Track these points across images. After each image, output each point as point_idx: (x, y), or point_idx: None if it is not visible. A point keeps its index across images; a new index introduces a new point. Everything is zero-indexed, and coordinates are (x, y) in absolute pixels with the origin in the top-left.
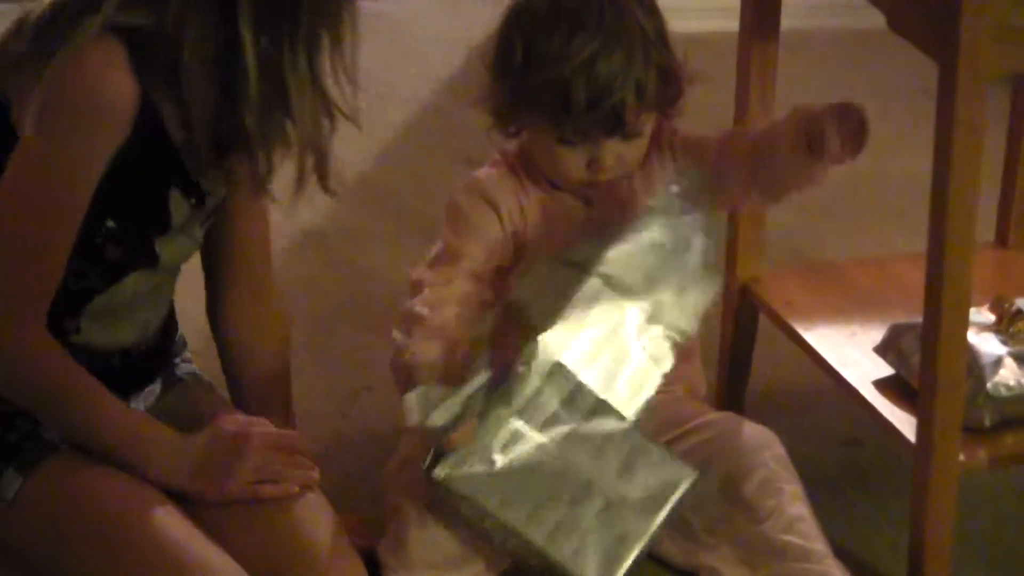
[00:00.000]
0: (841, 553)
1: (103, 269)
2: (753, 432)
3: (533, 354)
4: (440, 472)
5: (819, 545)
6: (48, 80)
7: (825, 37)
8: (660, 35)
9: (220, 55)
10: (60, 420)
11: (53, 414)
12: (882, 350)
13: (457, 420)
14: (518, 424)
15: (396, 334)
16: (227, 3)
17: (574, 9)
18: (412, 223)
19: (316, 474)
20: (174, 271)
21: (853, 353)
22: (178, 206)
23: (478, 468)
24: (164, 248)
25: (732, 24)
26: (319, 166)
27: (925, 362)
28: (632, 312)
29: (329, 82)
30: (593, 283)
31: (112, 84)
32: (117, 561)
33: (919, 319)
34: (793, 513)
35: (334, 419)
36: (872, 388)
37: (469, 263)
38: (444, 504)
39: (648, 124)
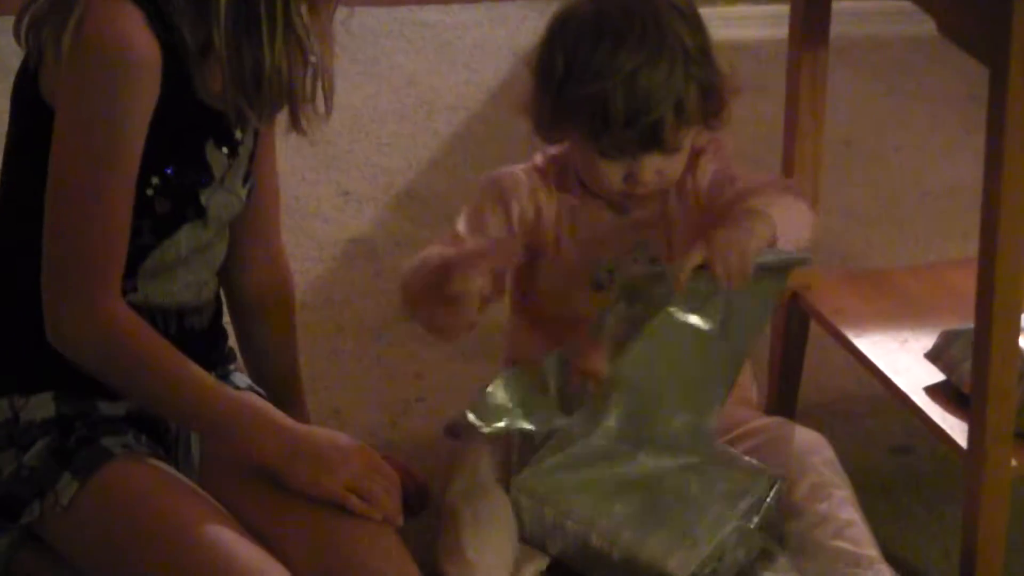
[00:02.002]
0: (892, 559)
1: (154, 224)
2: (804, 437)
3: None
4: (521, 478)
5: (870, 550)
6: (74, 47)
7: (875, 43)
8: (702, 49)
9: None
10: (151, 392)
11: (143, 385)
12: (933, 356)
13: (516, 426)
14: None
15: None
16: None
17: (616, 24)
18: None
19: (400, 519)
20: (222, 229)
21: (904, 359)
22: (215, 157)
23: (557, 475)
24: (210, 200)
25: (781, 32)
26: (290, 105)
27: (976, 368)
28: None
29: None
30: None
31: (137, 42)
32: (171, 569)
33: (970, 325)
34: (844, 518)
35: (385, 429)
36: (923, 394)
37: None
38: (516, 509)
39: (688, 138)
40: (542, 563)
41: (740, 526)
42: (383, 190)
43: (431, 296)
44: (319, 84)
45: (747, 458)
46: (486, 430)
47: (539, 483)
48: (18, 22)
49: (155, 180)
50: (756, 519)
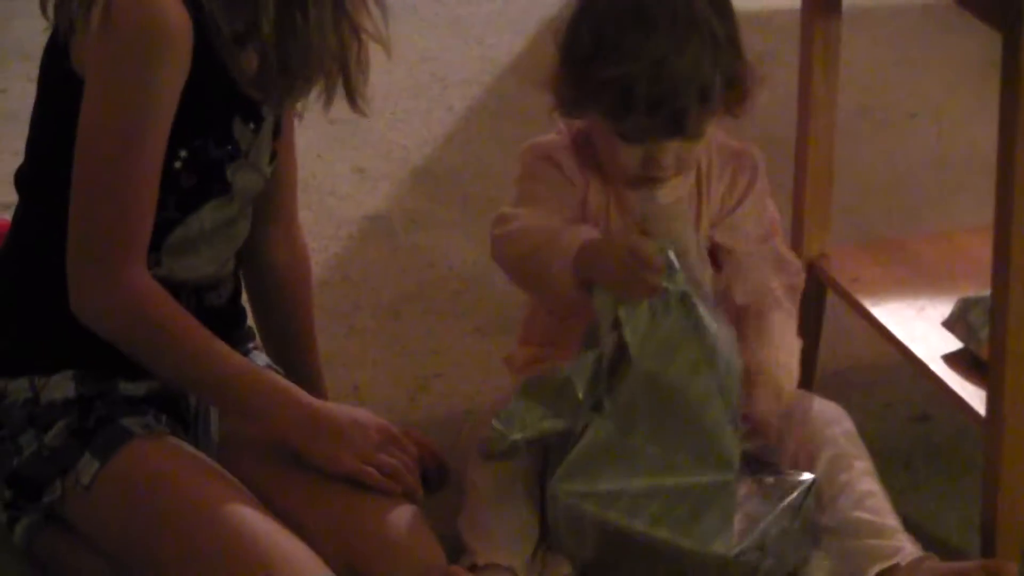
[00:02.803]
0: (913, 528)
1: (180, 198)
2: (823, 408)
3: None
4: (557, 477)
5: (890, 520)
6: (105, 18)
7: (889, 11)
8: (731, 39)
9: None
10: (174, 363)
11: (166, 357)
12: (951, 324)
13: (546, 428)
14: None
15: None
16: None
17: (647, 6)
18: (476, 208)
19: (420, 494)
20: (246, 205)
21: (922, 327)
22: (241, 132)
23: (593, 468)
24: (235, 176)
25: (795, 1)
26: (345, 83)
27: (994, 335)
28: None
29: (353, 5)
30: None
31: (169, 16)
32: (192, 548)
33: (987, 292)
34: (864, 489)
35: (403, 406)
36: (941, 362)
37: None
38: (552, 511)
39: (710, 125)
40: (567, 570)
41: (781, 523)
42: (398, 166)
43: (526, 269)
44: (367, 59)
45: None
46: (516, 436)
47: (576, 480)
48: None
49: (183, 153)
50: (797, 522)
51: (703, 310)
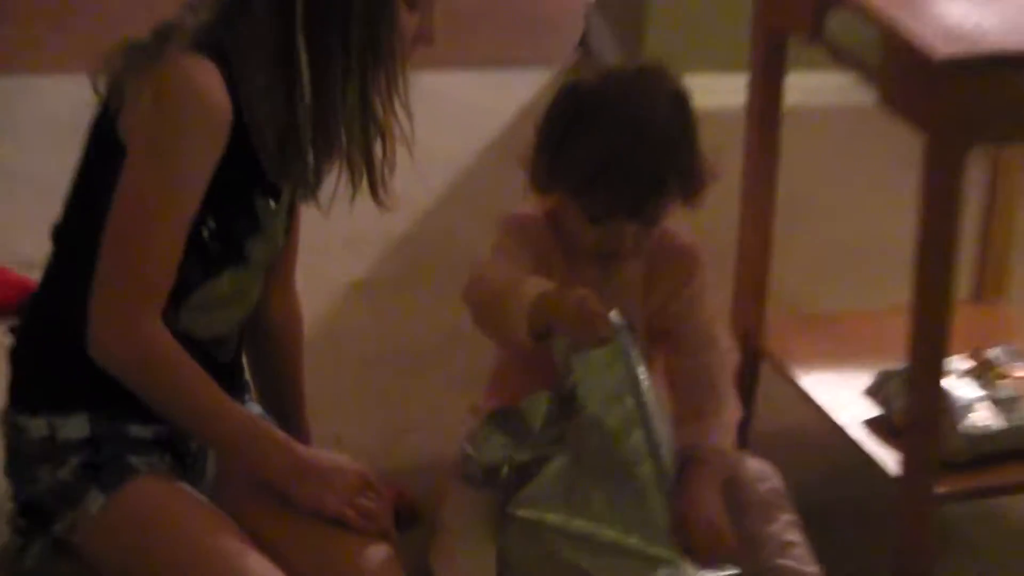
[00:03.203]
0: (831, 574)
1: (204, 263)
2: (755, 466)
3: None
4: (515, 503)
5: (811, 568)
6: (153, 94)
7: (824, 112)
8: (689, 137)
9: (284, 75)
10: (179, 408)
11: (173, 403)
12: (871, 393)
13: (504, 462)
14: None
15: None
16: (288, 37)
17: (614, 104)
18: (448, 274)
19: (393, 534)
20: (259, 274)
21: (845, 396)
22: (263, 208)
23: (548, 500)
24: (253, 248)
25: (741, 100)
26: (369, 177)
27: (908, 405)
28: None
29: (381, 109)
30: None
31: (215, 98)
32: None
33: (904, 366)
34: (788, 539)
35: (380, 454)
36: (861, 427)
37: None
38: (507, 539)
39: (667, 211)
40: None
41: None
42: (382, 237)
43: (487, 311)
44: (391, 153)
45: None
46: (484, 459)
47: (530, 507)
48: (98, 72)
49: (211, 223)
50: None
51: (641, 371)
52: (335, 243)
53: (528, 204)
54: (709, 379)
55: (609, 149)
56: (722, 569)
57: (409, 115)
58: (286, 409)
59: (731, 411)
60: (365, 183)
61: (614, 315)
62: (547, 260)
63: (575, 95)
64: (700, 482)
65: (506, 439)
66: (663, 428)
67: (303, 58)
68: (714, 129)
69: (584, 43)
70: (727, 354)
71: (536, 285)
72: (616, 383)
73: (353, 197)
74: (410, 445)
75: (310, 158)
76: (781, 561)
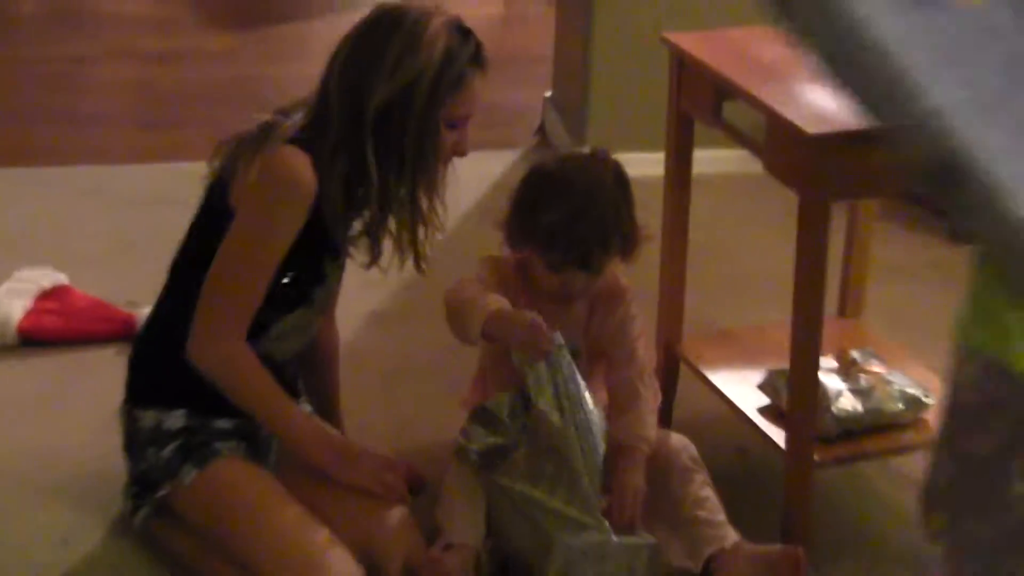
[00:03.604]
0: (734, 524)
1: (282, 304)
2: (676, 439)
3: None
4: (496, 475)
5: (720, 517)
6: (264, 165)
7: (724, 179)
8: (628, 206)
9: (355, 175)
10: (254, 404)
11: (250, 399)
12: (763, 387)
13: (488, 447)
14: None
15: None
16: (360, 146)
17: (569, 183)
18: (443, 310)
19: (408, 500)
20: (319, 313)
21: (744, 389)
22: (328, 266)
23: (518, 473)
24: (318, 295)
25: (660, 171)
26: (414, 254)
27: (791, 394)
28: None
29: (425, 203)
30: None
31: (305, 179)
32: (256, 536)
33: (787, 366)
34: (702, 495)
35: (395, 439)
36: (756, 413)
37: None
38: (491, 496)
39: (610, 264)
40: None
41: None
42: (391, 280)
43: (453, 312)
44: (432, 236)
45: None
46: (472, 447)
47: (505, 478)
48: (213, 152)
49: (290, 275)
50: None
51: (576, 380)
52: (356, 284)
53: (503, 254)
54: (632, 387)
55: (566, 216)
56: (640, 537)
57: (444, 208)
58: (327, 406)
59: (651, 406)
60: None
61: (557, 336)
62: (514, 296)
63: (539, 174)
64: (625, 464)
65: (485, 430)
66: (596, 424)
67: (371, 166)
68: (641, 192)
69: (542, 130)
70: (646, 367)
71: (496, 301)
72: (556, 388)
73: (401, 267)
74: (417, 433)
75: (371, 237)
76: (697, 512)
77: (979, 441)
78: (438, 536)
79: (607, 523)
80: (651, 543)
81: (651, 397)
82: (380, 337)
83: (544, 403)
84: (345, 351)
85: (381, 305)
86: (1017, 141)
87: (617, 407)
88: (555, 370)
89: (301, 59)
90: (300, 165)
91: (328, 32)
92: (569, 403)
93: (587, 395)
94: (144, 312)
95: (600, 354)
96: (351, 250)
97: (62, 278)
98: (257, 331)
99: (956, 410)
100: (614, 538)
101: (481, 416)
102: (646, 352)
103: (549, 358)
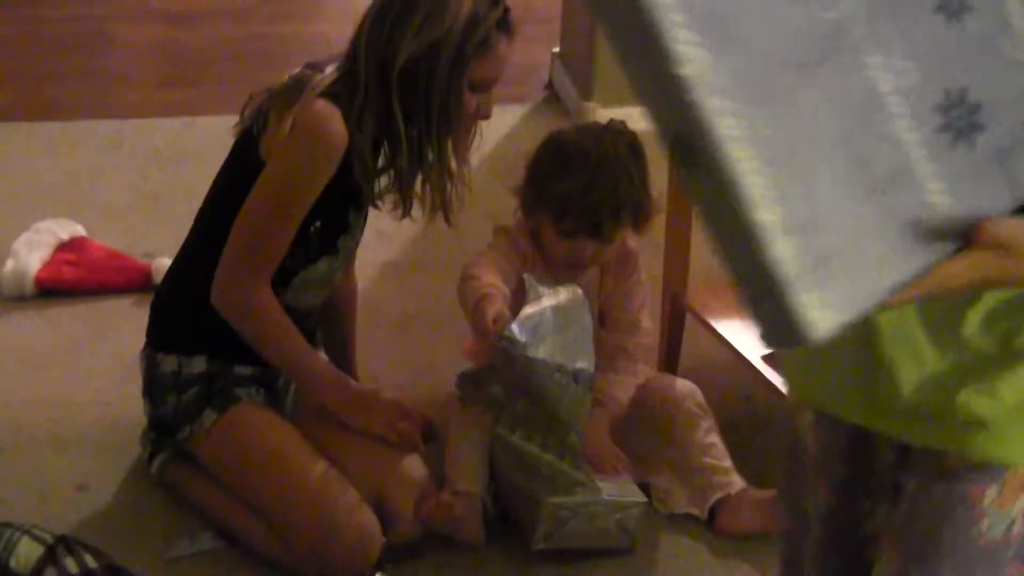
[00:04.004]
0: (740, 470)
1: (307, 253)
2: (682, 385)
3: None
4: (496, 433)
5: (727, 463)
6: (297, 118)
7: None
8: (642, 178)
9: (383, 132)
10: (274, 348)
11: (270, 343)
12: None
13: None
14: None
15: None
16: (387, 104)
17: (585, 151)
18: (454, 261)
19: (420, 447)
20: (344, 262)
21: (747, 337)
22: (353, 216)
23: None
24: (342, 244)
25: None
26: (443, 207)
27: None
28: None
29: (452, 162)
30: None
31: (337, 132)
32: (272, 476)
33: None
34: (708, 441)
35: (408, 388)
36: (761, 360)
37: (497, 265)
38: (494, 444)
39: (620, 235)
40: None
41: (607, 512)
42: (405, 232)
43: (462, 303)
44: (460, 192)
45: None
46: (470, 398)
47: (505, 430)
48: (244, 107)
49: (316, 224)
50: (616, 515)
51: (590, 341)
52: (371, 235)
53: (515, 219)
54: (629, 356)
55: (579, 185)
56: (629, 495)
57: (468, 167)
58: (343, 356)
59: (638, 379)
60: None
61: (576, 290)
62: (531, 264)
63: (555, 143)
64: (593, 421)
65: (480, 376)
66: (587, 382)
67: (399, 124)
68: (649, 147)
69: (550, 85)
70: (645, 337)
71: (486, 287)
72: (556, 342)
73: (427, 221)
74: (428, 382)
75: (400, 191)
76: (703, 459)
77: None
78: (445, 483)
79: (597, 482)
80: (640, 501)
81: (641, 371)
82: (394, 287)
83: (544, 352)
84: (360, 301)
85: (395, 256)
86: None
87: (606, 369)
88: (567, 322)
89: (318, 19)
90: (332, 119)
91: None
92: (565, 358)
93: (591, 353)
94: (161, 263)
95: (602, 317)
96: (378, 203)
97: (80, 229)
98: (283, 280)
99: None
100: (604, 496)
101: (474, 374)
102: (649, 323)
103: (501, 341)
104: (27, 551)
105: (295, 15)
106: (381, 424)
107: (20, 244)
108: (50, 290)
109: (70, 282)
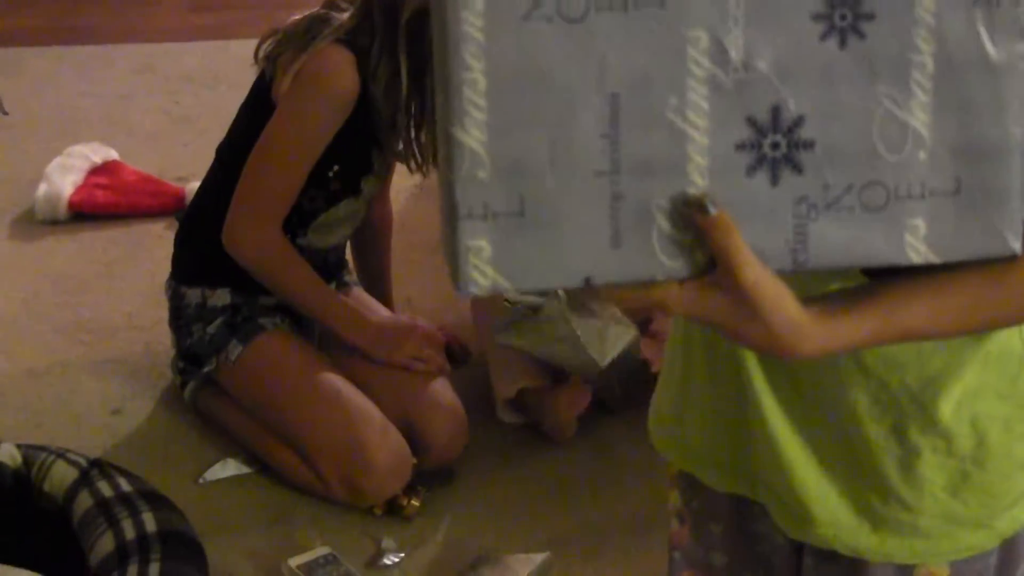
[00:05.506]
0: None
1: (327, 196)
2: None
3: None
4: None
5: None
6: (303, 66)
7: None
8: None
9: (393, 80)
10: (289, 292)
11: (284, 287)
12: None
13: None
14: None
15: None
16: (395, 54)
17: None
18: None
19: (448, 368)
20: (367, 202)
21: None
22: (377, 157)
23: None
24: (366, 184)
25: None
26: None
27: None
28: None
29: None
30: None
31: (345, 77)
32: (300, 403)
33: None
34: None
35: (442, 311)
36: None
37: None
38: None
39: None
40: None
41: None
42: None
43: None
44: None
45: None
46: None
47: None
48: (259, 46)
49: (336, 167)
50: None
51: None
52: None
53: None
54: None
55: None
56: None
57: None
58: (377, 280)
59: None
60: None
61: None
62: None
63: None
64: None
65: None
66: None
67: (403, 73)
68: None
69: None
70: None
71: None
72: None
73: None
74: (464, 305)
75: (411, 134)
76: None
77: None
78: (500, 389)
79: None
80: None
81: None
82: (430, 209)
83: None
84: (395, 223)
85: (431, 178)
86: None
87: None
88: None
89: None
90: (341, 66)
91: None
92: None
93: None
94: (193, 187)
95: None
96: (401, 155)
97: (113, 153)
98: (302, 222)
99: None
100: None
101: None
102: None
103: None
104: (61, 474)
105: None
106: (403, 355)
107: (53, 168)
108: (83, 214)
109: (103, 206)
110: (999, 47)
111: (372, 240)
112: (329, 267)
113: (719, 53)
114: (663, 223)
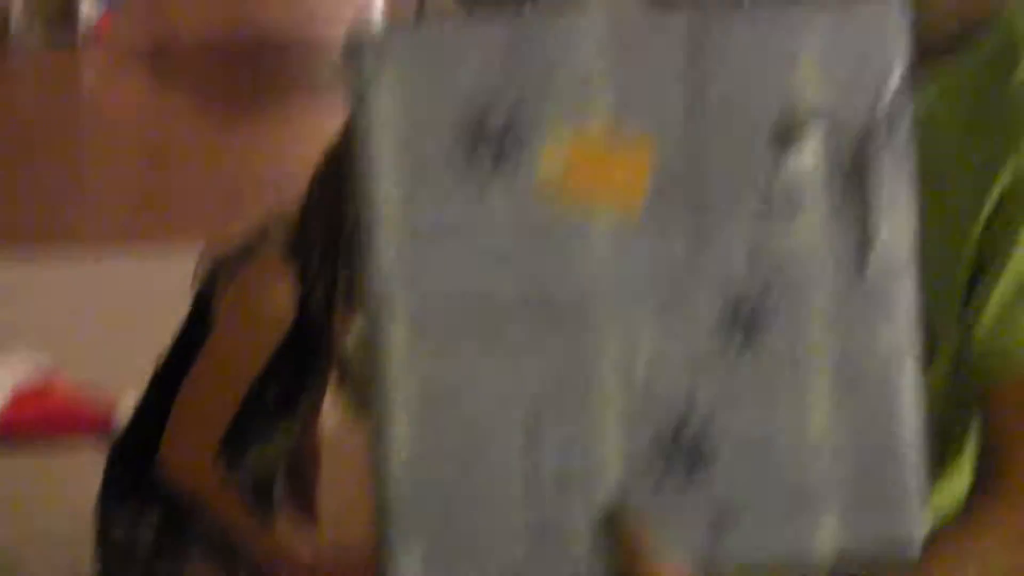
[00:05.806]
0: None
1: (265, 420)
2: None
3: None
4: None
5: None
6: (234, 298)
7: None
8: None
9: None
10: (217, 521)
11: (213, 516)
12: None
13: None
14: None
15: None
16: (335, 269)
17: None
18: None
19: None
20: (306, 423)
21: None
22: (311, 378)
23: None
24: (302, 406)
25: None
26: None
27: None
28: None
29: None
30: None
31: (278, 312)
32: None
33: None
34: None
35: None
36: None
37: None
38: None
39: None
40: None
41: None
42: None
43: None
44: None
45: None
46: None
47: None
48: (198, 263)
49: (275, 388)
50: None
51: None
52: None
53: None
54: None
55: None
56: None
57: None
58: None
59: None
60: None
61: None
62: None
63: None
64: None
65: None
66: None
67: (343, 290)
68: None
69: None
70: None
71: None
72: None
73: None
74: None
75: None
76: None
77: None
78: None
79: None
80: None
81: None
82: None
83: None
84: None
85: None
86: None
87: None
88: None
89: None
90: (275, 291)
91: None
92: None
93: None
94: (125, 405)
95: None
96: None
97: (43, 364)
98: (239, 446)
99: None
100: None
101: None
102: None
103: None
104: None
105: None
106: None
107: None
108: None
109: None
110: (888, 342)
111: (301, 469)
112: (265, 494)
113: (627, 369)
114: (580, 534)
